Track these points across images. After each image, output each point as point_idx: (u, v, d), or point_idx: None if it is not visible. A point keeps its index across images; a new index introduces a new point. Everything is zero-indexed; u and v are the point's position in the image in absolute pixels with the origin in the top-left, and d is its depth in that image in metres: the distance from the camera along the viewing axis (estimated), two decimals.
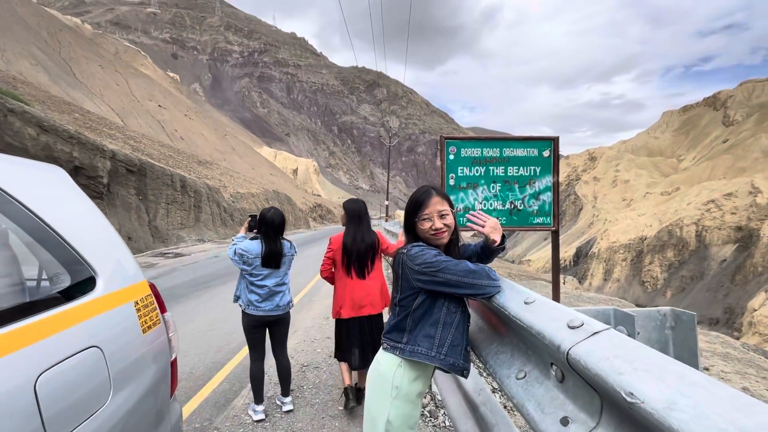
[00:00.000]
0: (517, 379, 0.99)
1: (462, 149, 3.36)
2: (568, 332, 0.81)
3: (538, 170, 3.27)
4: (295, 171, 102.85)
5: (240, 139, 77.93)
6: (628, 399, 0.59)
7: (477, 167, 3.37)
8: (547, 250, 58.95)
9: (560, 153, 3.77)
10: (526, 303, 1.02)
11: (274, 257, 2.53)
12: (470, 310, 1.58)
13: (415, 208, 1.37)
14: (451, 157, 3.38)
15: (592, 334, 0.77)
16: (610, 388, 0.65)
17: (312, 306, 5.81)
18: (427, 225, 1.33)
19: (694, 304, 43.13)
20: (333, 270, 2.74)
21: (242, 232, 2.63)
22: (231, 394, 2.87)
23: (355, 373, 2.82)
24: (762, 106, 68.42)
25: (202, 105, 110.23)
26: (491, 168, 3.34)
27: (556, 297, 3.62)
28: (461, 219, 3.42)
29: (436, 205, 1.35)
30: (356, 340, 2.65)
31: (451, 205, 1.42)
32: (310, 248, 15.25)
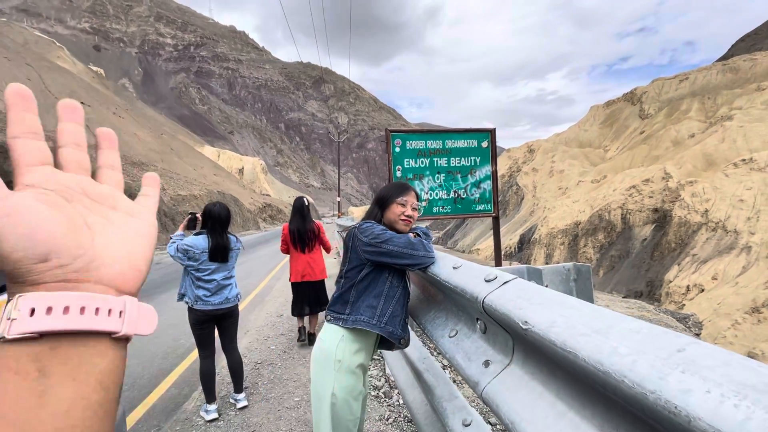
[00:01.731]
0: (450, 337, 1.10)
1: (407, 142, 3.49)
2: (485, 285, 0.93)
3: (478, 160, 3.48)
4: (241, 170, 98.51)
5: (179, 139, 72.99)
6: (523, 326, 0.71)
7: (422, 159, 3.51)
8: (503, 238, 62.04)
9: (502, 146, 4.03)
10: (454, 268, 1.14)
11: (221, 251, 2.53)
12: (411, 286, 1.73)
13: (397, 191, 1.53)
14: (397, 149, 3.50)
15: (502, 284, 0.88)
16: (512, 323, 0.75)
17: (264, 305, 5.69)
18: (401, 209, 1.49)
19: (622, 280, 47.69)
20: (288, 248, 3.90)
21: (180, 230, 2.60)
22: (181, 398, 2.76)
23: (306, 320, 4.07)
24: (670, 100, 76.52)
25: (133, 102, 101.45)
26: (435, 159, 3.51)
27: None
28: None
29: (413, 198, 1.54)
30: (302, 297, 3.88)
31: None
32: (260, 249, 14.78)
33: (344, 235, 1.62)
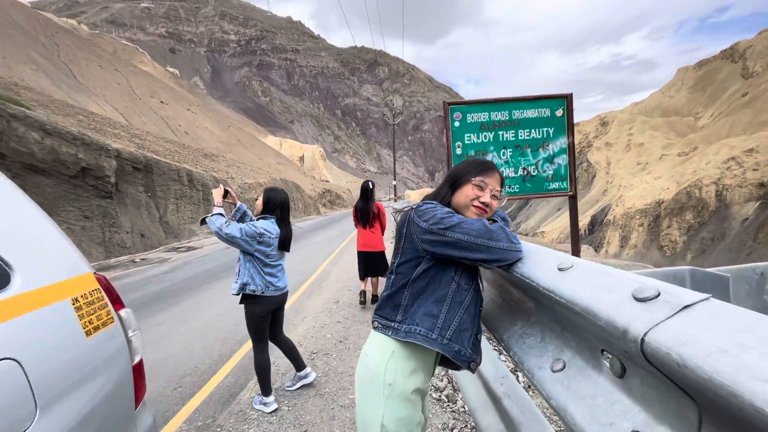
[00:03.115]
0: (553, 371, 0.75)
1: (468, 114, 3.09)
2: (637, 307, 0.57)
3: (551, 131, 2.99)
4: (302, 158, 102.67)
5: (244, 130, 77.75)
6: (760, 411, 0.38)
7: (485, 133, 3.10)
8: (560, 221, 58.19)
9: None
10: (560, 269, 0.78)
11: (289, 241, 2.50)
12: (485, 283, 1.40)
13: (476, 169, 1.20)
14: (457, 124, 3.12)
15: (680, 309, 0.52)
16: (730, 400, 0.41)
17: (321, 291, 5.70)
18: (476, 192, 1.17)
19: (716, 265, 41.94)
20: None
21: (218, 200, 2.40)
22: (236, 387, 2.76)
23: (368, 283, 5.02)
24: None
25: (203, 98, 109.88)
26: (500, 133, 3.08)
27: None
28: None
29: (496, 183, 1.20)
30: (365, 264, 4.77)
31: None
32: (319, 234, 15.17)
33: (398, 219, 1.30)
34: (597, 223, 58.94)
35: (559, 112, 2.97)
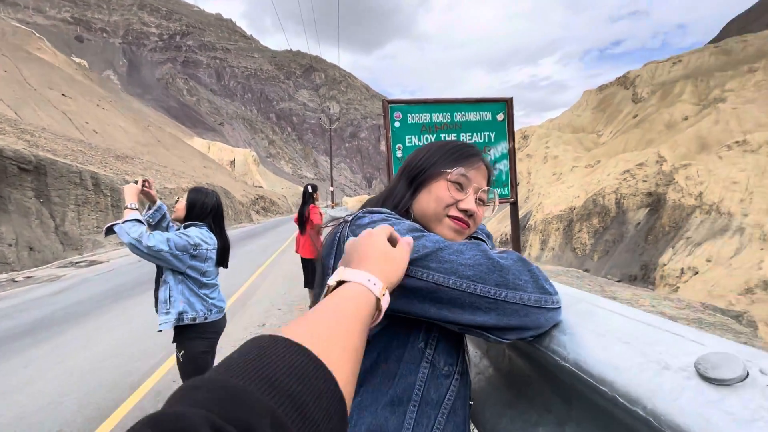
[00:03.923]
0: None
1: (409, 115, 2.93)
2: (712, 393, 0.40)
3: (492, 136, 2.94)
4: (233, 162, 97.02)
5: (166, 131, 71.31)
6: None
7: (427, 135, 2.97)
8: (492, 225, 61.96)
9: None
10: (625, 342, 0.54)
11: (228, 254, 2.07)
12: (470, 347, 0.92)
13: (451, 157, 0.77)
14: (397, 124, 2.95)
15: None
16: None
17: (246, 311, 5.08)
18: (454, 192, 0.74)
19: (617, 264, 47.91)
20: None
21: (132, 200, 1.83)
22: None
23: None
24: (663, 84, 76.20)
25: (117, 94, 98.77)
26: (443, 135, 2.96)
27: None
28: None
29: (482, 177, 0.79)
30: (305, 271, 4.76)
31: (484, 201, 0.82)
32: (249, 243, 14.18)
33: (323, 240, 0.75)
34: (521, 228, 63.92)
35: (500, 117, 2.94)
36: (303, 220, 4.59)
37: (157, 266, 1.92)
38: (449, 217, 0.73)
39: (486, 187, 0.78)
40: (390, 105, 2.92)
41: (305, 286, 4.86)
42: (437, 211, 0.74)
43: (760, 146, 39.30)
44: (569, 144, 75.75)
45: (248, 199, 46.29)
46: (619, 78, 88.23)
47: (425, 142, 2.99)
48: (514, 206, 3.05)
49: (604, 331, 0.57)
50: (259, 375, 0.28)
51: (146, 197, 1.99)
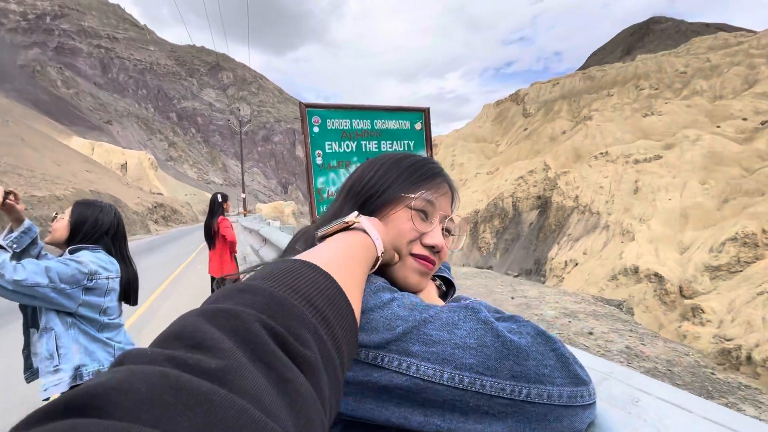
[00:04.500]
0: None
1: (328, 120, 2.87)
2: None
3: (411, 145, 3.04)
4: (124, 166, 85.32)
5: (34, 128, 59.74)
6: None
7: (348, 142, 2.94)
8: None
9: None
10: None
11: (136, 286, 1.65)
12: None
13: (412, 177, 0.62)
14: (316, 129, 2.87)
15: None
16: None
17: (141, 340, 4.08)
18: (419, 223, 0.59)
19: (515, 260, 53.50)
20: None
21: None
22: None
23: None
24: (546, 102, 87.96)
25: None
26: (363, 143, 2.97)
27: None
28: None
29: (447, 202, 0.65)
30: (212, 290, 4.01)
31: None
32: (145, 258, 12.41)
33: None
34: None
35: (418, 126, 3.04)
36: (211, 234, 4.06)
37: (28, 308, 1.44)
38: (412, 255, 0.58)
39: (452, 215, 0.64)
40: (308, 109, 2.83)
41: None
42: (398, 247, 0.58)
43: (618, 157, 47.63)
44: (473, 153, 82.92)
45: (144, 208, 41.06)
46: (512, 95, 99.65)
47: (347, 149, 2.96)
48: None
49: None
50: (297, 290, 0.29)
51: (8, 214, 1.45)
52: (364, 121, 2.93)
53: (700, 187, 37.02)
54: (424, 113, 3.01)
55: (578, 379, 0.43)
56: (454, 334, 0.42)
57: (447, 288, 0.73)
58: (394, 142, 2.99)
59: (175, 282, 7.70)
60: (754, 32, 74.51)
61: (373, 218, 0.54)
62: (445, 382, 0.40)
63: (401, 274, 0.58)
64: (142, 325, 4.96)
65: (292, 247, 0.62)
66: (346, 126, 2.92)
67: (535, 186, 58.72)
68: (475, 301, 0.51)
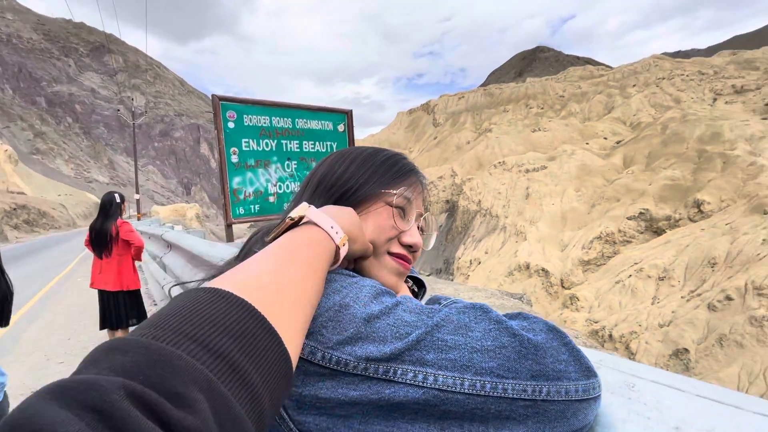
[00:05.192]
0: None
1: (245, 116, 2.72)
2: None
3: (334, 146, 3.03)
4: None
5: None
6: None
7: (267, 140, 2.81)
8: None
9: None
10: None
11: (9, 304, 1.37)
12: None
13: (389, 172, 0.58)
14: (231, 125, 2.69)
15: None
16: None
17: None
18: (398, 221, 0.57)
19: (428, 260, 56.73)
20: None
21: None
22: None
23: (117, 334, 3.56)
24: (453, 113, 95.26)
25: None
26: (284, 142, 2.87)
27: None
28: (266, 206, 2.75)
29: (420, 201, 0.62)
30: (102, 308, 3.47)
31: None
32: (8, 271, 10.14)
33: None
34: None
35: (341, 127, 3.04)
36: (107, 241, 3.42)
37: None
38: (390, 254, 0.56)
39: (426, 213, 0.63)
40: (222, 102, 2.64)
41: (103, 327, 3.53)
42: (377, 245, 0.55)
43: (513, 167, 53.65)
44: None
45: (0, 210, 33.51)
46: (423, 105, 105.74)
47: (266, 148, 2.82)
48: None
49: (670, 419, 0.41)
50: (190, 334, 0.25)
51: None
52: (285, 119, 2.84)
53: (575, 194, 43.74)
54: (347, 115, 3.03)
55: (590, 371, 0.42)
56: (470, 336, 0.39)
57: (418, 288, 0.70)
58: (317, 143, 2.95)
59: (46, 299, 6.40)
60: (611, 68, 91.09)
61: (338, 207, 0.50)
62: (466, 390, 0.37)
63: (377, 274, 0.55)
64: (2, 353, 4.01)
65: (250, 250, 0.56)
66: (265, 123, 2.79)
67: (444, 191, 63.00)
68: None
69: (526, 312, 0.47)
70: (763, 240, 21.69)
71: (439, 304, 0.51)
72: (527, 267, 34.08)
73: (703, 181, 34.73)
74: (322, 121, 2.94)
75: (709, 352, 19.93)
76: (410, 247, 0.57)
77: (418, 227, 0.61)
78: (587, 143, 55.75)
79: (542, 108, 77.82)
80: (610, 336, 21.67)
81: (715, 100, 57.61)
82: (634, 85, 70.64)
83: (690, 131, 44.03)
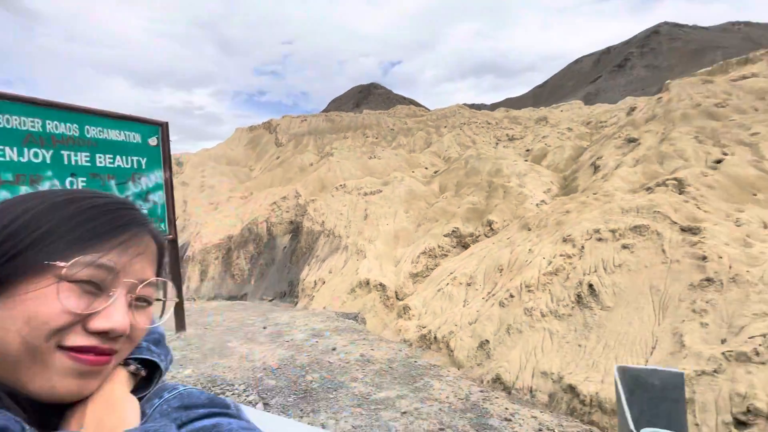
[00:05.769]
0: None
1: (2, 115, 2.00)
2: None
3: (143, 162, 2.55)
4: None
5: None
6: None
7: (36, 149, 2.15)
8: None
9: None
10: None
11: None
12: None
13: (76, 229, 0.41)
14: None
15: None
16: None
17: None
18: (75, 302, 0.40)
19: (270, 284, 53.96)
20: None
21: None
22: None
23: None
24: (296, 135, 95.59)
25: None
26: (66, 153, 2.24)
27: (180, 320, 3.09)
28: None
29: (145, 262, 0.48)
30: None
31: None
32: None
33: None
34: (178, 260, 58.96)
35: (152, 141, 2.59)
36: None
37: None
38: (64, 349, 0.41)
39: (153, 278, 0.49)
40: None
41: None
42: (32, 343, 0.39)
43: (353, 189, 57.13)
44: (225, 175, 78.95)
45: None
46: (265, 123, 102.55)
47: (34, 159, 2.14)
48: (174, 244, 2.76)
49: None
50: None
51: None
52: (69, 124, 2.22)
53: (405, 215, 49.60)
54: (161, 128, 2.59)
55: None
56: None
57: (151, 372, 0.54)
58: (117, 157, 2.41)
59: None
60: (429, 110, 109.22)
61: None
62: None
63: (43, 384, 0.40)
64: None
65: None
66: (34, 127, 2.11)
67: (287, 212, 61.77)
68: (167, 425, 0.40)
69: (224, 423, 0.42)
70: (529, 250, 29.23)
71: (160, 398, 0.45)
72: (367, 283, 36.29)
73: (492, 206, 44.82)
74: (127, 132, 2.43)
75: (501, 341, 25.37)
76: (107, 334, 0.42)
77: (138, 299, 0.47)
78: (413, 171, 64.50)
79: (377, 138, 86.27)
80: (435, 338, 24.99)
81: (497, 144, 76.02)
82: (445, 126, 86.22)
83: (483, 166, 56.56)
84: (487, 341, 24.03)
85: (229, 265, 57.32)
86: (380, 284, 39.03)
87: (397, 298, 36.78)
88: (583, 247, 26.59)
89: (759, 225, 23.27)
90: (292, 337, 4.84)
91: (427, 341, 26.95)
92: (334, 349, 4.50)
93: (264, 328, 5.42)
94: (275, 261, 58.32)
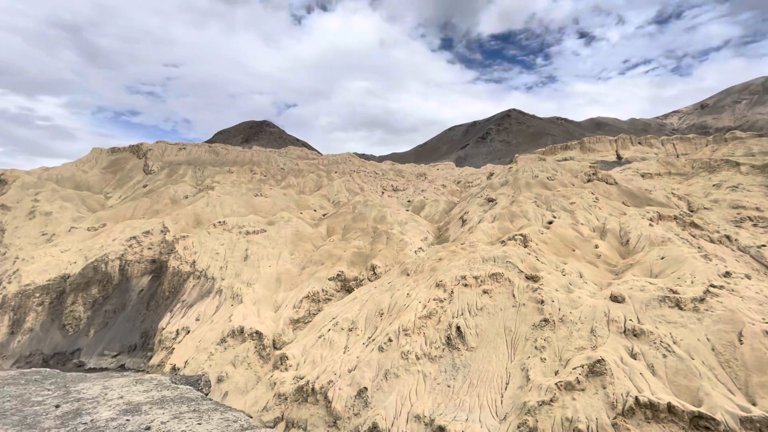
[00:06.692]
0: None
1: None
2: None
3: None
4: None
5: None
6: None
7: None
8: None
9: None
10: None
11: None
12: None
13: None
14: None
15: None
16: None
17: None
18: None
19: (117, 335, 44.77)
20: None
21: None
22: None
23: None
24: (171, 163, 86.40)
25: None
26: None
27: None
28: None
29: None
30: None
31: None
32: None
33: None
34: None
35: None
36: None
37: None
38: None
39: None
40: None
41: None
42: None
43: (233, 227, 53.04)
44: (70, 201, 65.04)
45: None
46: (133, 146, 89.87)
47: None
48: None
49: None
50: None
51: None
52: None
53: (289, 257, 47.73)
54: None
55: None
56: None
57: None
58: None
59: None
60: (321, 154, 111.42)
61: None
62: None
63: None
64: None
65: None
66: None
67: (150, 248, 53.33)
68: None
69: None
70: (407, 294, 30.92)
71: None
72: (241, 331, 32.97)
73: (376, 251, 46.69)
74: None
75: (379, 386, 25.47)
76: None
77: None
78: (302, 213, 63.50)
79: (265, 176, 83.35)
80: (313, 389, 23.63)
81: (383, 193, 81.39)
82: (336, 172, 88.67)
83: (369, 213, 59.25)
84: (366, 388, 23.84)
85: (59, 313, 45.72)
86: (256, 332, 35.77)
87: (275, 347, 34.11)
88: (452, 291, 29.41)
89: (577, 275, 29.28)
90: (93, 418, 3.88)
91: (304, 394, 25.29)
92: (147, 429, 3.76)
93: (56, 407, 4.26)
94: (126, 307, 48.89)
